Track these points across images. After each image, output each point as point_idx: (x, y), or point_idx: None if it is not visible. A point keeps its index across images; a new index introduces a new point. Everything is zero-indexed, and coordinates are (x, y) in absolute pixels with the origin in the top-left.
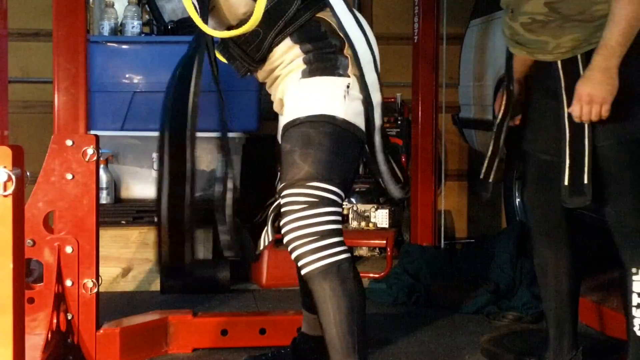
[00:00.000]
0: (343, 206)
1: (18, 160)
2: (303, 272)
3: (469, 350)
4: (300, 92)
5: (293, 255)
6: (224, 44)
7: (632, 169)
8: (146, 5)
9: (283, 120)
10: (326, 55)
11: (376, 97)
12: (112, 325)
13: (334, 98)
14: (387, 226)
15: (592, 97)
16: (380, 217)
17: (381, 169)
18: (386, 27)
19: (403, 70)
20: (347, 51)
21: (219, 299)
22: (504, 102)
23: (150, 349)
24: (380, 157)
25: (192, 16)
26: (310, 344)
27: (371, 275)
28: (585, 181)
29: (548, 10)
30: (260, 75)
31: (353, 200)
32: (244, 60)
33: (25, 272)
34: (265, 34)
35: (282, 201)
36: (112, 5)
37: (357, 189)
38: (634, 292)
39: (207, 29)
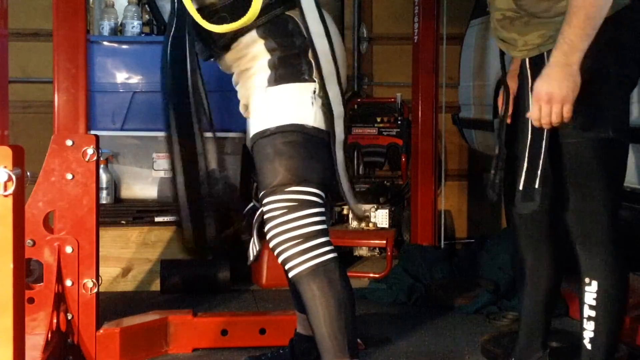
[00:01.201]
0: (342, 208)
1: (18, 160)
2: (290, 275)
3: (469, 350)
4: (267, 101)
5: (280, 259)
6: (192, 25)
7: (597, 168)
8: (146, 5)
9: (251, 128)
10: (290, 58)
11: (337, 110)
12: (112, 325)
13: (302, 105)
14: (387, 226)
15: (551, 95)
16: (380, 217)
17: (343, 186)
18: (386, 27)
19: (403, 70)
20: (310, 56)
21: (219, 299)
22: (503, 100)
23: (150, 349)
24: (341, 172)
25: (189, 10)
26: (306, 343)
27: (371, 275)
28: (537, 186)
29: (516, 7)
30: (224, 64)
31: None
32: (208, 44)
33: (25, 272)
34: (232, 21)
35: (264, 209)
36: (112, 5)
37: (357, 189)
38: (585, 303)
39: (202, 21)
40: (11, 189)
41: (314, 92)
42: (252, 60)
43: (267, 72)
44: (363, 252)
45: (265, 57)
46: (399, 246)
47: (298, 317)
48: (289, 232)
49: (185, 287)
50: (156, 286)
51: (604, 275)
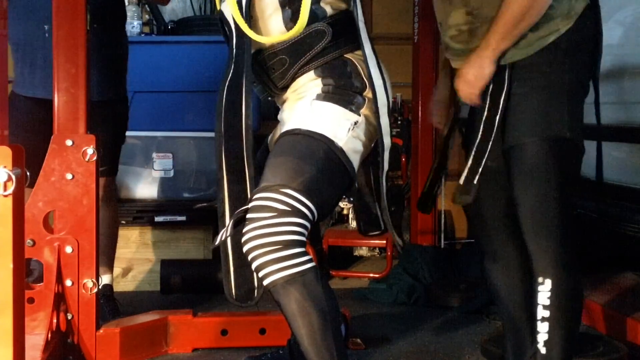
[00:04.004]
0: (342, 208)
1: (18, 160)
2: (265, 282)
3: (469, 350)
4: (308, 110)
5: (253, 265)
6: (253, 71)
7: (551, 166)
8: (146, 5)
9: (282, 129)
10: (344, 91)
11: (387, 141)
12: (112, 325)
13: (339, 127)
14: None
15: (463, 77)
16: None
17: (385, 215)
18: (386, 27)
19: (403, 70)
20: (366, 94)
21: (219, 299)
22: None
23: (150, 349)
24: (383, 203)
25: (239, 23)
26: None
27: (371, 275)
28: (475, 182)
29: (471, 18)
30: (280, 101)
31: (353, 200)
32: (267, 86)
33: (25, 272)
34: (291, 64)
35: (253, 204)
36: None
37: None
38: (539, 304)
39: (253, 35)
40: (11, 189)
41: (355, 123)
42: (306, 91)
43: (317, 92)
44: (363, 252)
45: (320, 87)
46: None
47: None
48: (269, 237)
49: (185, 287)
50: (156, 286)
51: (558, 273)
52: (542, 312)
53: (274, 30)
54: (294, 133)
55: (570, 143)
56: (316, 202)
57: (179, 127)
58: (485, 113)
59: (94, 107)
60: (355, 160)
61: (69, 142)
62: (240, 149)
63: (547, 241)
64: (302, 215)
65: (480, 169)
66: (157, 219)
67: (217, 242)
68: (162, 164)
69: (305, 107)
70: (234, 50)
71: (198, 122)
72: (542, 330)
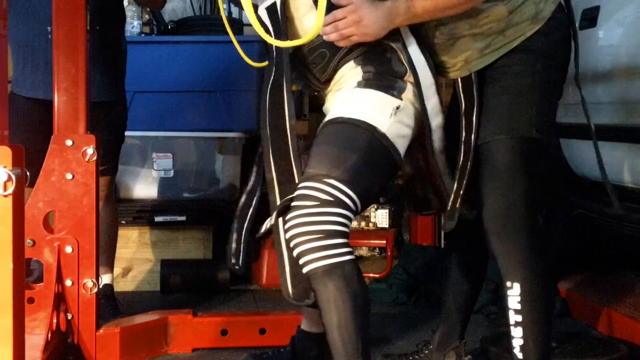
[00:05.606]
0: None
1: (18, 160)
2: (305, 269)
3: (469, 351)
4: (350, 97)
5: (296, 251)
6: (296, 68)
7: (517, 165)
8: None
9: (326, 119)
10: (385, 76)
11: (436, 120)
12: (112, 325)
13: (381, 112)
14: (387, 226)
15: (360, 18)
16: (380, 217)
17: (447, 187)
18: None
19: None
20: (408, 78)
21: (219, 299)
22: None
23: (150, 349)
24: (446, 179)
25: (256, 29)
26: (308, 341)
27: (371, 275)
28: (458, 205)
29: (438, 33)
30: (324, 94)
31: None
32: (310, 81)
33: (25, 272)
34: (331, 56)
35: (297, 193)
36: None
37: None
38: (510, 309)
39: (270, 39)
40: (11, 189)
41: (397, 107)
42: (346, 80)
43: (358, 79)
44: (363, 252)
45: (360, 74)
46: (399, 246)
47: (305, 313)
48: (313, 226)
49: (185, 287)
50: (156, 286)
51: (525, 276)
52: (514, 317)
53: (308, 29)
54: (337, 122)
55: (537, 142)
56: (358, 191)
57: (179, 127)
58: (463, 134)
59: (94, 108)
60: (401, 144)
61: (69, 142)
62: (286, 149)
63: (512, 244)
64: (344, 205)
65: (461, 192)
66: (157, 219)
67: (262, 231)
68: (161, 164)
69: (347, 95)
70: (274, 53)
71: (198, 122)
72: (517, 335)
